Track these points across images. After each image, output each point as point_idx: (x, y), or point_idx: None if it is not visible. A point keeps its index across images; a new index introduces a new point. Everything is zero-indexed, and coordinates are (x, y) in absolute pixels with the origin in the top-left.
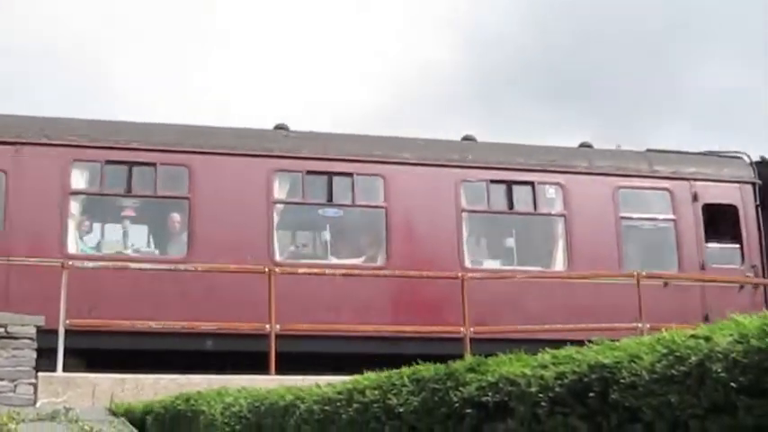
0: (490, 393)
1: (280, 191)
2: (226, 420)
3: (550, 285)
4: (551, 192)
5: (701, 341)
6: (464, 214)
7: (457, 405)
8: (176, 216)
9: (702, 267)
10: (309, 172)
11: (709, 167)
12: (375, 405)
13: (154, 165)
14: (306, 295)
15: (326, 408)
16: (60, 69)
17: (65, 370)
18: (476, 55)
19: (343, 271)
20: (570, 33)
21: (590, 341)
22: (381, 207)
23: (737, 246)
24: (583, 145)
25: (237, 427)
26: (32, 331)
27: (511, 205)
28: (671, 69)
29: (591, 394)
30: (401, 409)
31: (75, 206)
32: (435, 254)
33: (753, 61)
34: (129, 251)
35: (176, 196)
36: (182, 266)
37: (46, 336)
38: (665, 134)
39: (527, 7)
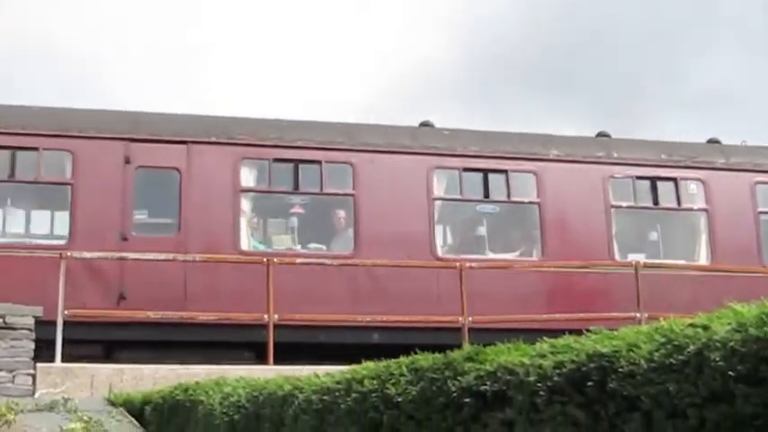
0: (488, 383)
1: (438, 187)
2: (224, 410)
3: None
4: (693, 187)
5: (700, 330)
6: (612, 210)
7: (455, 394)
8: (341, 213)
9: None
10: (466, 169)
11: None
12: (373, 395)
13: (319, 162)
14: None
15: (325, 397)
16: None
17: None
18: (475, 52)
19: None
20: (571, 31)
21: (588, 330)
22: (535, 203)
23: None
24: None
25: (236, 416)
26: (31, 322)
27: (656, 200)
28: (671, 60)
29: (589, 383)
30: (399, 399)
31: (245, 204)
32: (587, 248)
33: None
34: (298, 247)
35: (341, 193)
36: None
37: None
38: (663, 125)
39: (527, 5)
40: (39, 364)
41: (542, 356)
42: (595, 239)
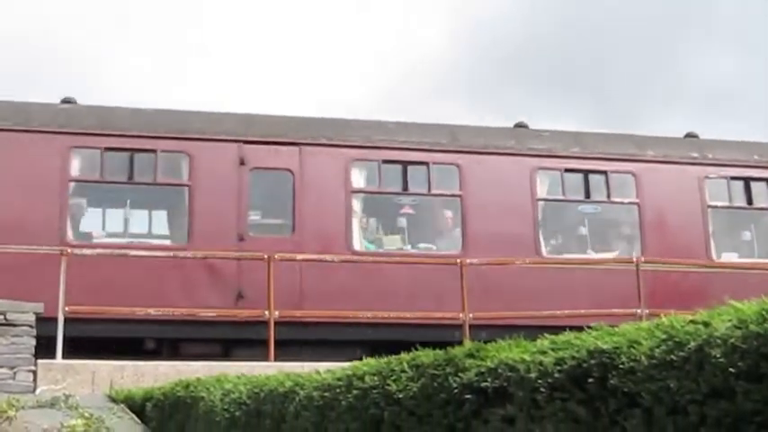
0: (489, 379)
1: (541, 188)
2: (225, 407)
3: None
4: None
5: (700, 327)
6: (709, 210)
7: (456, 391)
8: (449, 213)
9: None
10: (567, 170)
11: None
12: (374, 391)
13: (426, 164)
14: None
15: (326, 394)
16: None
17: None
18: (475, 52)
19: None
20: (571, 31)
21: (589, 327)
22: (634, 203)
23: None
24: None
25: (237, 413)
26: (32, 318)
27: (750, 200)
28: (671, 56)
29: (590, 380)
30: (400, 395)
31: (356, 204)
32: (685, 247)
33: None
34: (408, 247)
35: (448, 194)
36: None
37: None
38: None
39: (527, 5)
40: (40, 361)
41: (543, 353)
42: (693, 239)
